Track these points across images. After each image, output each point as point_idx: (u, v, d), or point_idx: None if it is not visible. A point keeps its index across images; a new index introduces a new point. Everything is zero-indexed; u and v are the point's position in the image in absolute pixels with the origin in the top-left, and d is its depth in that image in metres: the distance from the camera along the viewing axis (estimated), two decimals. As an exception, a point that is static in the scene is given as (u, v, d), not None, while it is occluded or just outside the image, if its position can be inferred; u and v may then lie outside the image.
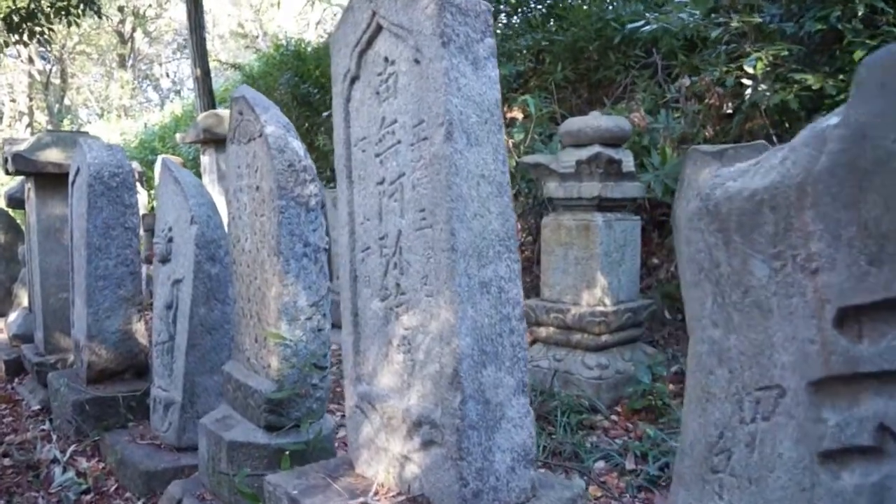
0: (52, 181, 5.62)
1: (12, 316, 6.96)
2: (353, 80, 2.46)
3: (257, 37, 25.68)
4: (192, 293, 3.88)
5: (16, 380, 6.25)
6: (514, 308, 2.20)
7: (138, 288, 4.86)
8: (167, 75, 32.57)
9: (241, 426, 3.27)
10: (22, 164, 5.40)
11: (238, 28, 26.33)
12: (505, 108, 7.70)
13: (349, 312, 2.54)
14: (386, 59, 2.29)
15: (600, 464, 4.00)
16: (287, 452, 2.91)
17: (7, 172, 5.72)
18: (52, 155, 5.53)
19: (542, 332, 5.24)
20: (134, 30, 27.50)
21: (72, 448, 4.32)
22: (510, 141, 6.74)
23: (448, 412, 2.10)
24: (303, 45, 12.97)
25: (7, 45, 9.94)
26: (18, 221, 8.62)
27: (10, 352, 6.46)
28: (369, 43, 2.37)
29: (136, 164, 11.77)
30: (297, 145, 3.16)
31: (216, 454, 3.26)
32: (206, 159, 8.62)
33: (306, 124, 11.34)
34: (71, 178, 5.08)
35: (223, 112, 8.91)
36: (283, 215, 3.03)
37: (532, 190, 6.80)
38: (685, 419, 1.57)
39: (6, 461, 4.27)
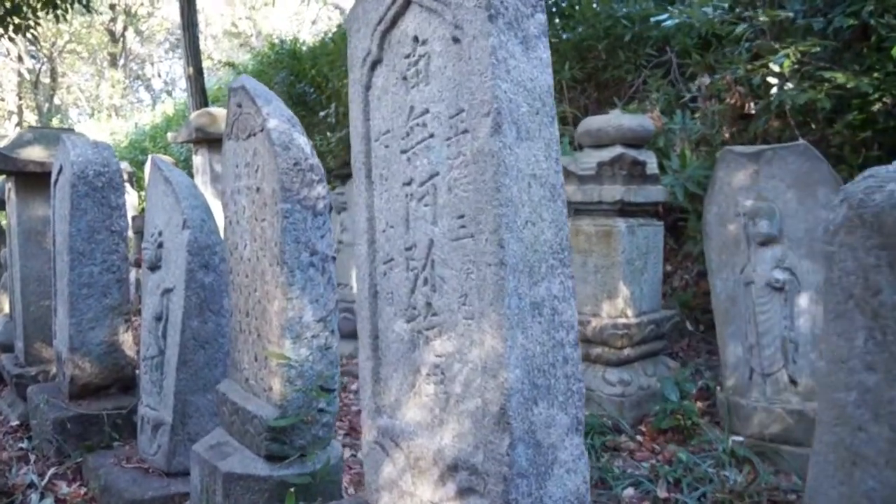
0: (33, 181, 5.25)
1: (-8, 323, 6.58)
2: (375, 64, 2.12)
3: (251, 36, 25.32)
4: (184, 304, 3.53)
5: (-6, 391, 5.87)
6: (569, 333, 1.86)
7: (125, 296, 4.51)
8: (158, 75, 32.15)
9: (238, 455, 2.93)
10: (1, 163, 5.03)
11: (232, 27, 25.91)
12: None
13: (367, 334, 2.19)
14: (415, 39, 1.95)
15: (630, 491, 3.67)
16: (292, 489, 2.57)
17: (-15, 171, 5.36)
18: (35, 153, 5.16)
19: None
20: (125, 28, 27.04)
21: (51, 471, 3.96)
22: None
23: (493, 457, 1.76)
24: (298, 44, 12.61)
25: (-7, 37, 9.55)
26: (2, 223, 8.24)
27: (-11, 361, 6.08)
28: (395, 20, 2.03)
29: (125, 165, 11.40)
30: (303, 142, 2.82)
31: (210, 486, 2.92)
32: (198, 159, 8.25)
33: (302, 124, 10.97)
34: (53, 177, 4.72)
35: (216, 110, 8.55)
36: (287, 220, 2.69)
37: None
38: (814, 482, 1.24)
39: (-21, 486, 3.90)
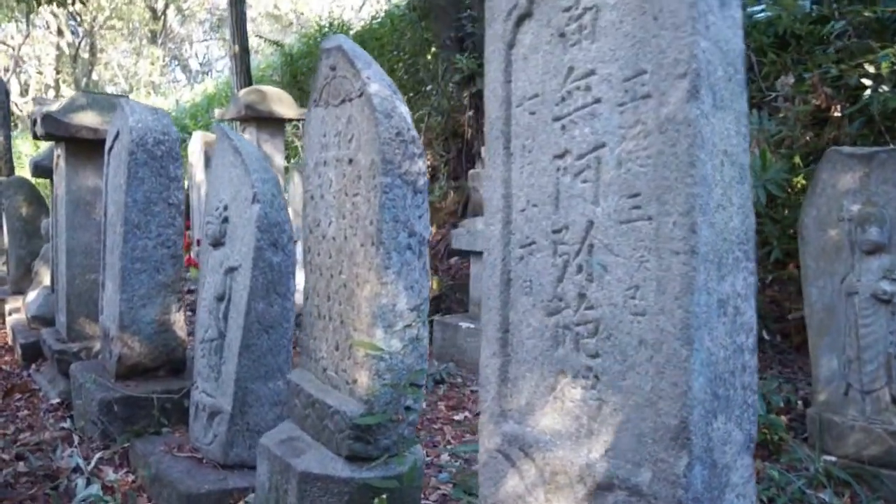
0: (85, 148, 5.02)
1: (32, 295, 6.37)
2: (522, 18, 1.84)
3: (292, 21, 25.13)
4: (249, 284, 3.28)
5: (33, 366, 5.66)
6: (748, 336, 1.59)
7: (179, 273, 4.27)
8: (196, 56, 32.04)
9: (313, 452, 2.67)
10: (53, 127, 4.80)
11: (274, 10, 25.65)
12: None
13: (496, 327, 1.92)
14: (579, -11, 1.68)
15: (718, 510, 3.38)
16: (384, 496, 2.31)
17: (35, 136, 5.13)
18: (87, 118, 4.93)
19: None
20: (167, 6, 26.88)
21: (97, 455, 3.73)
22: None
23: (664, 477, 1.49)
24: (345, 28, 12.36)
25: (39, 3, 9.35)
26: (42, 193, 8.03)
27: (29, 335, 5.87)
28: (551, -33, 1.76)
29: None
30: (405, 111, 2.56)
31: (281, 485, 2.67)
32: (246, 137, 8.03)
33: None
34: (108, 143, 4.49)
35: (267, 88, 8.36)
36: (386, 196, 2.42)
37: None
38: None
39: (21, 466, 3.67)
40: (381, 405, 2.50)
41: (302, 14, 22.42)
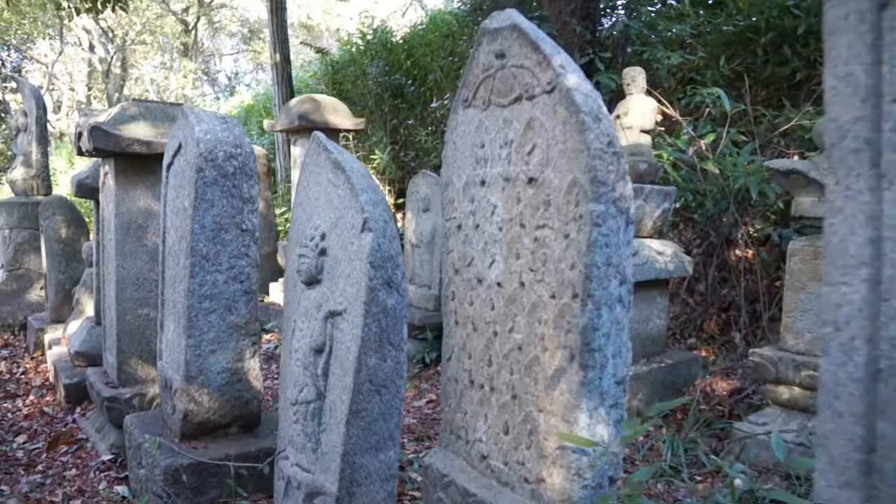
0: (136, 164, 4.38)
1: (74, 326, 5.75)
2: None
3: (321, 31, 24.58)
4: (360, 335, 2.57)
5: (77, 409, 5.02)
6: None
7: (253, 313, 3.60)
8: (225, 73, 31.72)
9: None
10: (102, 141, 4.15)
11: (307, 19, 25.05)
12: (676, 104, 6.41)
13: (849, 441, 1.21)
14: None
15: None
16: None
17: (80, 152, 4.49)
18: (140, 130, 4.29)
19: (784, 392, 3.91)
20: (198, 19, 26.34)
21: (166, 540, 3.06)
22: (702, 142, 5.41)
23: None
24: (388, 34, 11.71)
25: (79, 12, 8.78)
26: (81, 214, 7.42)
27: (73, 374, 5.21)
28: None
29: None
30: (607, 112, 1.87)
31: None
32: (298, 151, 7.38)
33: (398, 118, 10.08)
34: (167, 158, 3.83)
35: (321, 97, 7.74)
36: (598, 230, 1.73)
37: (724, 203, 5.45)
38: None
39: (74, 550, 3.02)
40: (582, 516, 1.81)
41: (338, 29, 21.65)
